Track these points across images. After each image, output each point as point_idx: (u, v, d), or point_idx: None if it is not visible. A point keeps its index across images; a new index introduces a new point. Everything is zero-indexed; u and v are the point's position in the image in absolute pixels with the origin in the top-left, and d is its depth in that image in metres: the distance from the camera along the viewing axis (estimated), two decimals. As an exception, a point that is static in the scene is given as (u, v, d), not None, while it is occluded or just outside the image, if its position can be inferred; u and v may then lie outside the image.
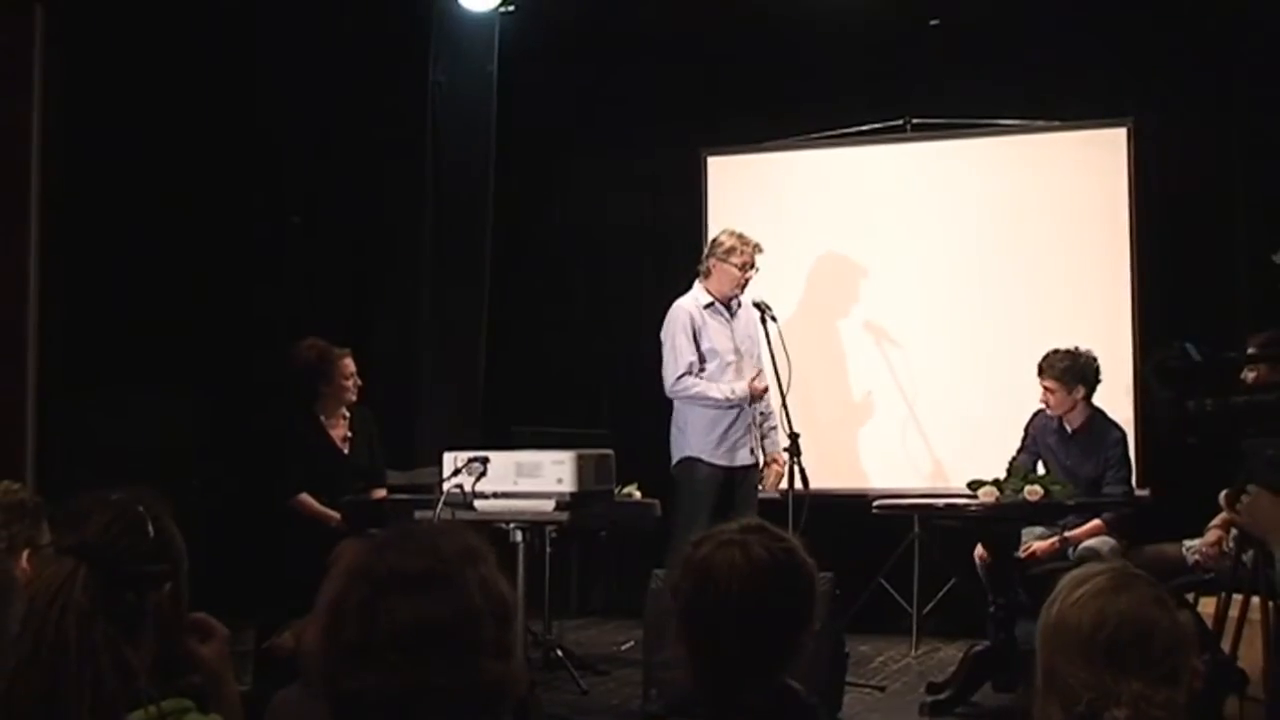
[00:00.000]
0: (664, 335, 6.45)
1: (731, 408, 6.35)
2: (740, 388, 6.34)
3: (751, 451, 6.42)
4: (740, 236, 6.42)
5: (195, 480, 6.71)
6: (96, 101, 6.36)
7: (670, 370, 6.38)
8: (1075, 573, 2.08)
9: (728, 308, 6.46)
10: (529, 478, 5.55)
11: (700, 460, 6.34)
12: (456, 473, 5.50)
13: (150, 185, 6.60)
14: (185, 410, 6.76)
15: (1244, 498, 3.09)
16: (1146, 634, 1.97)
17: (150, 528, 2.22)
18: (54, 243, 6.11)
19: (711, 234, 6.84)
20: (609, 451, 6.02)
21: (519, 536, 5.65)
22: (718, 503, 6.21)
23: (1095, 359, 6.26)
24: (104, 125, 6.41)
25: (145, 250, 6.58)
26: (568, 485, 5.55)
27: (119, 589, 2.14)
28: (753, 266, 6.39)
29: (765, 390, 6.37)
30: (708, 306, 6.43)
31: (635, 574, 6.79)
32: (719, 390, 6.33)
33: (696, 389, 6.34)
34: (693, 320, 6.39)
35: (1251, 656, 4.32)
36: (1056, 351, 6.24)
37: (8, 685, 2.00)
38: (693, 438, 6.37)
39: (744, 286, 6.43)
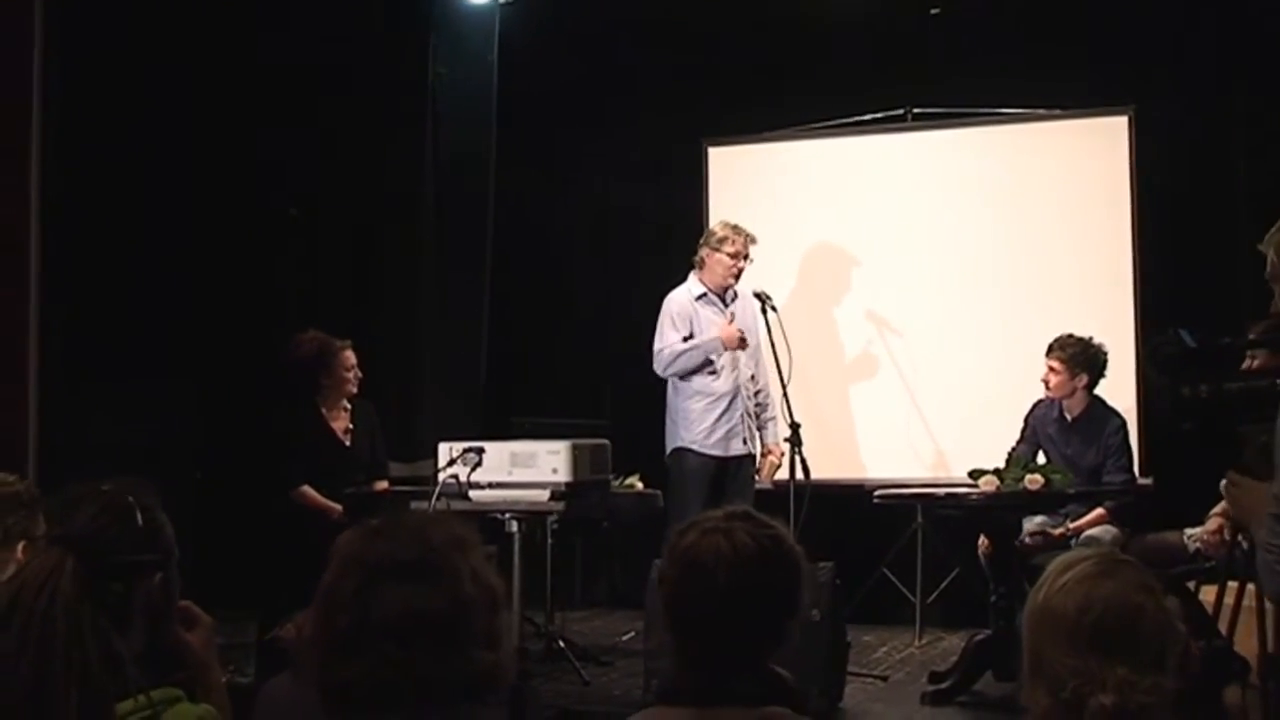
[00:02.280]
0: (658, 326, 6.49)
1: (722, 397, 6.35)
2: (706, 340, 6.34)
3: (745, 442, 6.41)
4: (734, 227, 6.44)
5: (198, 473, 6.72)
6: (96, 95, 6.36)
7: (657, 353, 6.42)
8: (1062, 558, 2.08)
9: (722, 298, 6.47)
10: (524, 468, 5.55)
11: (691, 451, 6.35)
12: (452, 463, 5.50)
13: (150, 179, 6.61)
14: (187, 403, 6.77)
15: (1234, 490, 3.09)
16: (1132, 619, 1.96)
17: (139, 518, 2.22)
18: (55, 237, 6.11)
19: (713, 224, 6.85)
20: (605, 441, 6.02)
21: (514, 527, 5.64)
22: (710, 493, 6.21)
23: (1106, 353, 6.26)
24: (104, 119, 6.41)
25: (146, 244, 6.58)
26: (563, 475, 5.55)
27: (107, 579, 2.14)
28: (746, 256, 6.40)
29: (738, 338, 6.32)
30: (700, 297, 6.45)
31: (639, 565, 6.78)
32: (685, 345, 6.35)
33: (665, 350, 6.38)
34: (684, 311, 6.41)
35: (1251, 644, 4.31)
36: (1070, 335, 6.25)
37: (-6, 676, 2.00)
38: (684, 428, 6.38)
39: (738, 276, 6.44)
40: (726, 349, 6.35)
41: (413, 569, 1.84)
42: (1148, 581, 2.02)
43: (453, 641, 1.83)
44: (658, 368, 6.44)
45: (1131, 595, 1.98)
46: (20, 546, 3.04)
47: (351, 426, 6.35)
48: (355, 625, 1.81)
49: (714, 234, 6.47)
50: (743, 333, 6.35)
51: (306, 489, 6.13)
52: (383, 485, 6.42)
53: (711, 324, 6.43)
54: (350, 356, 6.32)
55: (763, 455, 6.54)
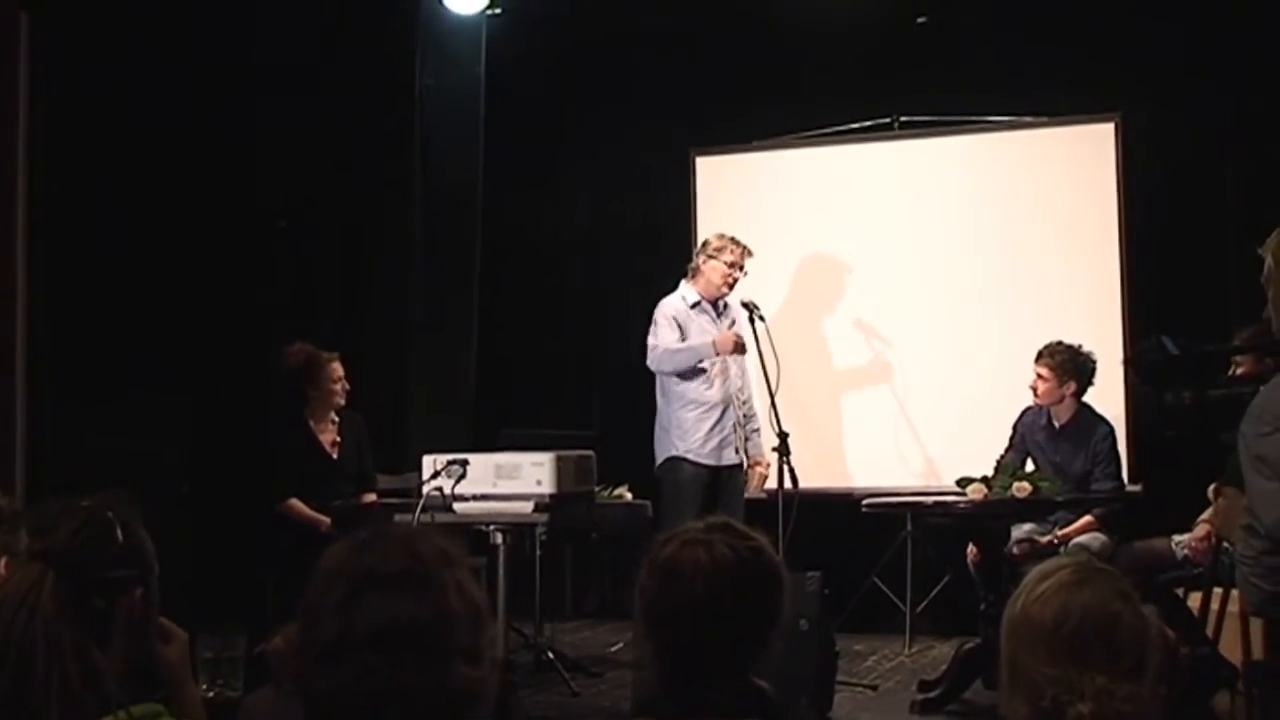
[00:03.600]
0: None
1: (715, 406, 6.36)
2: (699, 341, 6.35)
3: (736, 451, 6.43)
4: (731, 239, 6.48)
5: (185, 487, 6.70)
6: (83, 107, 6.34)
7: (649, 348, 6.45)
8: (1039, 567, 2.08)
9: (714, 307, 6.48)
10: (508, 479, 5.54)
11: (685, 460, 6.36)
12: (436, 475, 5.49)
13: (137, 190, 6.59)
14: (175, 417, 6.75)
15: (1220, 500, 3.11)
16: (1110, 628, 1.96)
17: (119, 533, 2.21)
18: (42, 248, 6.10)
19: (701, 233, 6.91)
20: (589, 453, 6.02)
21: (499, 539, 5.64)
22: (704, 502, 6.21)
23: (1095, 361, 6.27)
24: (91, 131, 6.39)
25: (133, 255, 6.56)
26: (547, 487, 5.54)
27: (87, 594, 2.14)
28: (741, 267, 6.42)
29: (734, 343, 6.33)
30: (694, 305, 6.46)
31: (628, 576, 6.76)
32: (678, 345, 6.37)
33: (659, 347, 6.40)
34: (680, 315, 6.42)
35: (1238, 650, 4.32)
36: (1059, 343, 6.26)
37: (-28, 692, 2.00)
38: (678, 438, 6.39)
39: (732, 286, 6.45)
40: (719, 354, 6.35)
41: (397, 580, 1.82)
42: (1125, 590, 2.02)
43: (435, 654, 1.82)
44: (650, 362, 6.47)
45: (1109, 604, 1.98)
46: (3, 562, 3.03)
47: (339, 438, 6.35)
48: (338, 635, 1.80)
49: (710, 244, 6.51)
50: (740, 339, 6.34)
51: (294, 502, 6.12)
52: (371, 497, 6.41)
53: (704, 332, 6.43)
54: (338, 368, 6.31)
55: (750, 466, 6.55)
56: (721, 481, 6.40)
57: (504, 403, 8.09)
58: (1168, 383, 3.20)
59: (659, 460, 6.48)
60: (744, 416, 6.53)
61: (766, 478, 6.38)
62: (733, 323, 6.49)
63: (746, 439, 6.55)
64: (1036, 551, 6.07)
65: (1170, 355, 3.24)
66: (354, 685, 1.77)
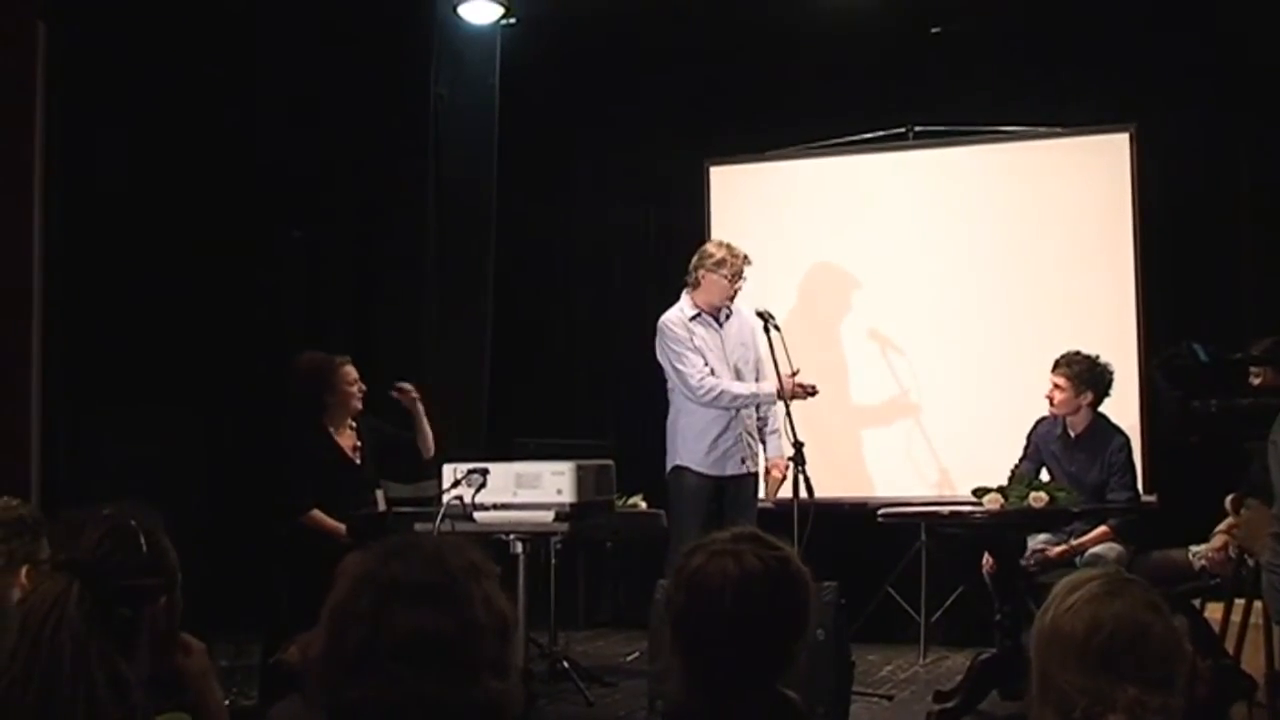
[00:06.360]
0: (662, 353, 6.41)
1: (719, 416, 6.30)
2: (767, 387, 6.29)
3: (744, 461, 6.38)
4: (729, 247, 6.39)
5: (203, 496, 6.70)
6: (99, 118, 6.37)
7: (693, 380, 6.29)
8: (1068, 578, 2.08)
9: (716, 318, 6.44)
10: (528, 489, 5.54)
11: (689, 469, 6.31)
12: (456, 484, 5.49)
13: (153, 201, 6.61)
14: (189, 425, 6.76)
15: (1243, 510, 3.10)
16: (1141, 638, 1.95)
17: (143, 543, 2.22)
18: (57, 259, 6.12)
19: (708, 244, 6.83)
20: (609, 462, 6.01)
21: (519, 548, 5.64)
22: (710, 512, 6.18)
23: (1112, 373, 6.25)
24: (106, 142, 6.42)
25: (149, 265, 6.58)
26: (567, 496, 5.53)
27: (112, 604, 2.14)
28: (741, 277, 6.36)
29: (800, 389, 6.23)
30: (694, 318, 6.40)
31: (642, 584, 6.78)
32: (744, 388, 6.31)
33: (720, 387, 6.29)
34: (686, 333, 6.38)
35: (1258, 661, 4.31)
36: (1078, 353, 6.24)
37: (1, 702, 2.00)
38: (681, 447, 6.35)
39: (733, 297, 6.40)
40: (782, 399, 6.22)
41: (426, 591, 1.82)
42: (1154, 600, 2.02)
43: (461, 666, 1.81)
44: (701, 395, 6.30)
45: (1139, 614, 1.97)
46: (24, 571, 3.04)
47: (359, 444, 6.31)
48: (364, 644, 1.80)
49: (711, 255, 6.40)
50: (808, 389, 6.27)
51: (316, 512, 6.06)
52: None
53: (707, 345, 6.39)
54: (351, 371, 6.25)
55: (767, 470, 6.52)
56: (728, 492, 6.35)
57: (517, 412, 8.09)
58: (1196, 389, 3.20)
59: (667, 469, 6.47)
60: (759, 420, 6.50)
61: (783, 481, 6.33)
62: (694, 347, 6.37)
63: (764, 442, 6.52)
64: (1053, 562, 6.06)
65: (1201, 362, 3.23)
66: (380, 696, 1.77)
